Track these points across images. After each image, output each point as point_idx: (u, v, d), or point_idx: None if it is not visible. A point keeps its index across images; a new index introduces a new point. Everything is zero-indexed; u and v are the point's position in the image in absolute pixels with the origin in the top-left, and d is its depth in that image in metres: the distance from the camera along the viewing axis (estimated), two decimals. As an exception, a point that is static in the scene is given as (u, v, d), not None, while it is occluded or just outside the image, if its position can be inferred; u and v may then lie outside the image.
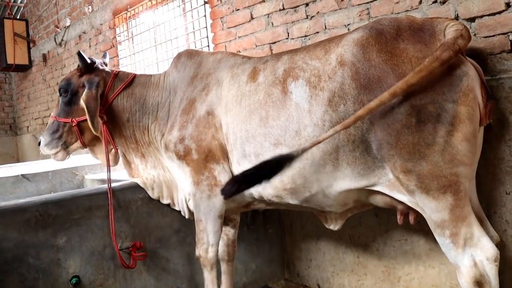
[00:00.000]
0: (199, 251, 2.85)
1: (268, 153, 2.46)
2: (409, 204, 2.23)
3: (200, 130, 2.74)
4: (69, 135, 3.13)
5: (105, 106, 3.06)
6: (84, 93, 2.96)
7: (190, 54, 3.07)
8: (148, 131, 3.06)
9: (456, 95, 2.00)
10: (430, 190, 2.08)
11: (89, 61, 3.08)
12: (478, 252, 2.05)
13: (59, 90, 3.12)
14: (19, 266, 2.61)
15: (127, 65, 6.01)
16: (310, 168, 2.35)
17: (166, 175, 3.09)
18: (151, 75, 3.21)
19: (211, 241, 2.82)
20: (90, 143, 3.22)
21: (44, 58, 8.38)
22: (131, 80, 3.14)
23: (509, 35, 2.42)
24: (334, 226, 2.78)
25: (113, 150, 3.15)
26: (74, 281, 2.76)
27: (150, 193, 3.14)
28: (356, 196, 2.43)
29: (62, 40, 7.62)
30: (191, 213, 3.04)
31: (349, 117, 2.17)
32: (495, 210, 2.50)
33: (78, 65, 3.09)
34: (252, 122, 2.53)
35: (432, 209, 2.11)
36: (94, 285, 2.86)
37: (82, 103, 2.91)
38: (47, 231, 2.71)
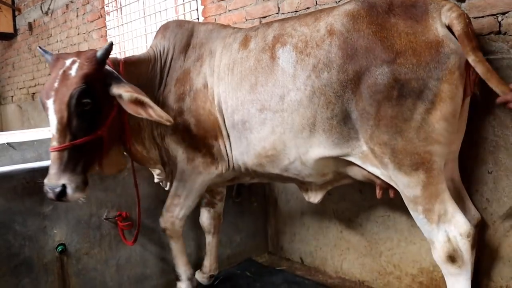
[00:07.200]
0: (165, 223, 2.87)
1: (254, 119, 2.50)
2: (382, 177, 2.28)
3: (198, 104, 2.70)
4: (91, 157, 2.39)
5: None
6: (126, 88, 2.38)
7: (179, 23, 2.99)
8: None
9: (441, 73, 2.03)
10: (402, 166, 2.12)
11: None
12: (452, 228, 2.10)
13: (79, 103, 2.24)
14: (6, 233, 2.61)
15: (115, 36, 5.94)
16: (289, 133, 2.40)
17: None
18: (136, 56, 2.88)
19: (181, 214, 2.85)
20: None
21: (30, 26, 8.25)
22: (123, 67, 2.66)
23: (498, 17, 2.44)
24: (314, 199, 2.81)
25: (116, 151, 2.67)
26: (60, 249, 2.78)
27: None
28: (333, 166, 2.47)
29: (48, 9, 7.50)
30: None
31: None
32: (477, 188, 2.55)
33: (96, 57, 2.36)
34: (243, 89, 2.55)
35: (404, 185, 2.16)
36: (79, 254, 2.88)
37: (143, 98, 2.35)
38: (34, 199, 2.71)
